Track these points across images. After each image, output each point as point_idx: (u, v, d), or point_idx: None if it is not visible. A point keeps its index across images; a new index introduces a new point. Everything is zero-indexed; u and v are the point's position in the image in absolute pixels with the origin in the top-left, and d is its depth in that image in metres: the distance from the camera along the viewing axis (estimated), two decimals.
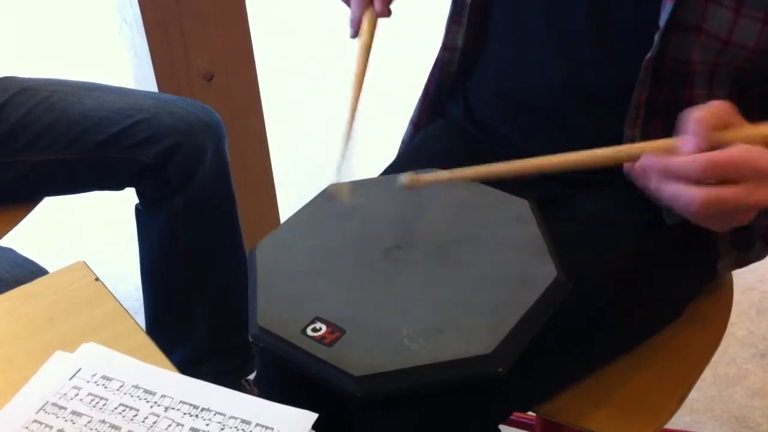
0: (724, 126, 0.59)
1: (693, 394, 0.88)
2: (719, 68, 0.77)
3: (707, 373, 1.00)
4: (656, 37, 0.75)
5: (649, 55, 0.76)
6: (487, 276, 0.73)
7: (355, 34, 0.87)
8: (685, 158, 0.58)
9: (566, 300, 0.72)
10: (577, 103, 0.86)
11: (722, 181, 0.58)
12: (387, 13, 0.86)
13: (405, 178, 0.72)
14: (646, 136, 0.82)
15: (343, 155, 0.78)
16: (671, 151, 0.60)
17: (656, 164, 0.59)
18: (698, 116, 0.59)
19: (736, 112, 0.60)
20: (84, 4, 3.18)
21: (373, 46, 0.85)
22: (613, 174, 0.84)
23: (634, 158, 0.62)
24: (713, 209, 0.58)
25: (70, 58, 2.81)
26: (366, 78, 0.82)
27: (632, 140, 0.82)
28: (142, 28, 1.37)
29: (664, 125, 0.81)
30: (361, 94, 0.81)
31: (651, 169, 0.60)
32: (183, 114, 1.19)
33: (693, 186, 0.58)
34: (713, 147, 0.58)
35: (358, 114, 0.79)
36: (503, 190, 0.84)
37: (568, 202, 0.90)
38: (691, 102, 0.80)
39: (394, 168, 0.98)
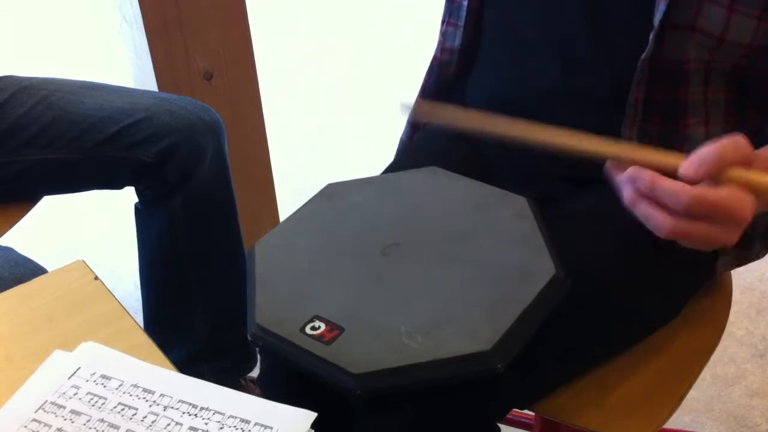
0: (736, 164, 0.58)
1: (692, 393, 0.88)
2: (714, 65, 0.77)
3: (706, 372, 1.00)
4: (651, 36, 0.75)
5: (644, 55, 0.76)
6: (486, 273, 0.73)
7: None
8: (674, 187, 0.57)
9: (565, 297, 0.72)
10: (573, 104, 0.86)
11: (702, 218, 0.58)
12: None
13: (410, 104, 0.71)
14: (644, 135, 0.82)
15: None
16: (670, 168, 0.59)
17: (643, 181, 0.59)
18: (716, 149, 0.58)
19: (750, 149, 0.59)
20: (84, 3, 3.18)
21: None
22: None
23: (629, 162, 0.61)
24: (680, 239, 0.59)
25: (70, 57, 2.81)
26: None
27: (630, 140, 0.82)
28: (142, 27, 1.37)
29: (662, 124, 0.82)
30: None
31: (636, 183, 0.59)
32: (183, 113, 1.19)
33: (667, 214, 0.58)
34: (710, 179, 0.58)
35: None
36: (502, 187, 0.84)
37: (567, 200, 0.90)
38: (687, 100, 0.80)
39: (393, 168, 0.98)
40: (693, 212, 0.57)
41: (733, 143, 0.58)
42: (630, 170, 0.60)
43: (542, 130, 0.66)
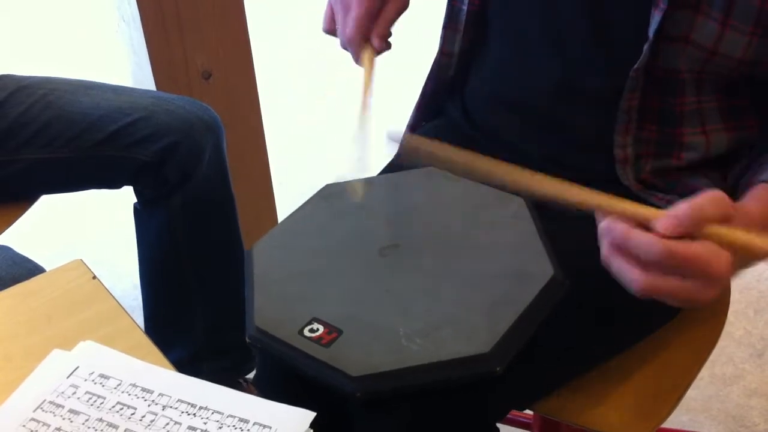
0: (715, 221, 0.57)
1: (690, 393, 0.88)
2: (706, 76, 0.78)
3: (704, 372, 1.00)
4: (645, 47, 0.75)
5: (637, 64, 0.76)
6: (485, 274, 0.73)
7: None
8: (646, 239, 0.56)
9: (563, 298, 0.72)
10: (573, 105, 0.86)
11: (676, 273, 0.56)
12: (387, 47, 0.84)
13: (399, 137, 0.70)
14: (640, 143, 0.82)
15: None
16: (646, 221, 0.58)
17: (616, 233, 0.58)
18: (693, 208, 0.56)
19: (729, 204, 0.58)
20: (82, 3, 3.17)
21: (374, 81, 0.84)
22: (612, 172, 0.85)
23: (609, 212, 0.60)
24: (655, 294, 0.57)
25: (69, 57, 2.81)
26: (371, 113, 0.81)
27: (624, 147, 0.82)
28: (140, 26, 1.37)
29: (657, 132, 0.82)
30: (370, 127, 0.80)
31: (610, 234, 0.58)
32: (181, 112, 1.19)
33: (640, 268, 0.57)
34: (686, 236, 0.56)
35: (370, 147, 0.78)
36: (499, 188, 0.84)
37: None
38: (683, 110, 0.80)
39: (392, 168, 0.98)
40: (666, 265, 0.56)
41: (712, 201, 0.57)
42: (605, 222, 0.59)
43: (525, 175, 0.66)
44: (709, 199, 0.57)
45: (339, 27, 0.85)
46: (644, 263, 0.56)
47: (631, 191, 0.84)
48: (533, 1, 0.86)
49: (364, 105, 0.80)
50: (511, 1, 0.89)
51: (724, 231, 0.57)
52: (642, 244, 0.56)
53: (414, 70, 1.39)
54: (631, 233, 0.57)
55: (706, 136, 0.82)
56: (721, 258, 0.55)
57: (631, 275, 0.57)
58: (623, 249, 0.57)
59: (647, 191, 0.84)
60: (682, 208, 0.56)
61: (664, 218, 0.57)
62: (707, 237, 0.56)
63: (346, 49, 0.85)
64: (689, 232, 0.56)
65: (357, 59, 0.84)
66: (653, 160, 0.83)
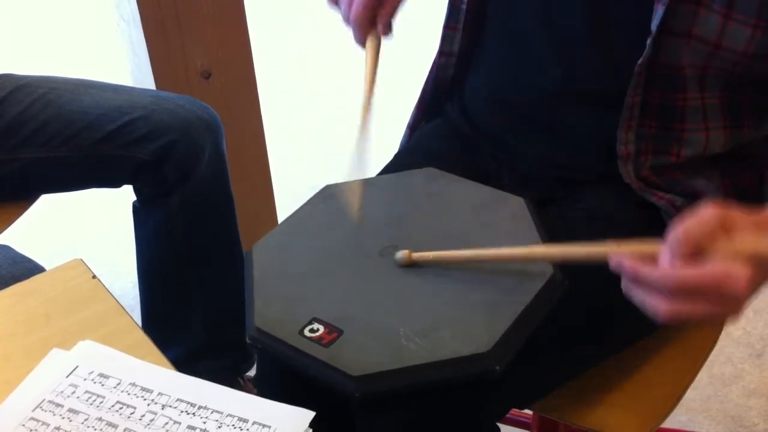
0: (713, 237, 0.56)
1: (689, 393, 0.88)
2: (709, 71, 0.78)
3: (703, 372, 1.00)
4: (648, 41, 0.75)
5: (641, 60, 0.76)
6: (484, 274, 0.73)
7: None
8: (656, 273, 0.56)
9: (563, 297, 0.72)
10: (573, 105, 0.86)
11: (692, 296, 0.55)
12: (390, 34, 0.84)
13: (402, 255, 0.74)
14: (641, 139, 0.82)
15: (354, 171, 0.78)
16: (651, 257, 0.58)
17: (629, 269, 0.58)
18: (682, 231, 0.56)
19: (727, 215, 0.56)
20: (82, 2, 3.17)
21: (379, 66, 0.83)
22: (611, 172, 0.85)
23: (617, 256, 0.59)
24: (681, 321, 0.57)
25: (68, 56, 2.81)
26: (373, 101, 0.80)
27: (626, 143, 0.82)
28: (140, 25, 1.37)
29: (658, 128, 0.82)
30: (370, 117, 0.79)
31: (624, 271, 0.58)
32: (181, 111, 1.19)
33: (661, 298, 0.56)
34: (697, 253, 0.56)
35: (369, 136, 0.78)
36: (499, 188, 0.84)
37: (564, 201, 0.90)
38: (686, 106, 0.80)
39: (392, 167, 0.98)
40: (683, 294, 0.55)
41: (700, 220, 0.56)
42: (612, 263, 0.59)
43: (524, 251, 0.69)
44: (696, 219, 0.56)
45: (343, 1, 0.83)
46: (664, 295, 0.56)
47: (632, 189, 0.84)
48: (532, 1, 0.86)
49: (368, 97, 0.79)
50: (510, 0, 0.89)
51: (732, 244, 0.55)
52: (654, 278, 0.56)
53: (414, 70, 1.39)
54: (639, 272, 0.57)
55: (707, 133, 0.82)
56: (735, 273, 0.54)
57: (653, 306, 0.57)
58: (640, 285, 0.57)
59: (648, 189, 0.84)
60: (673, 237, 0.56)
61: (662, 252, 0.57)
62: (717, 253, 0.55)
63: (347, 24, 0.84)
64: (690, 257, 0.55)
65: (360, 40, 0.83)
66: (653, 157, 0.83)
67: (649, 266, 0.57)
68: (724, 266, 0.54)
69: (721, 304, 0.56)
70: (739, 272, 0.54)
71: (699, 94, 0.80)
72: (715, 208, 0.56)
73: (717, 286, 0.54)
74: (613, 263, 0.59)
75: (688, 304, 0.56)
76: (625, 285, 0.59)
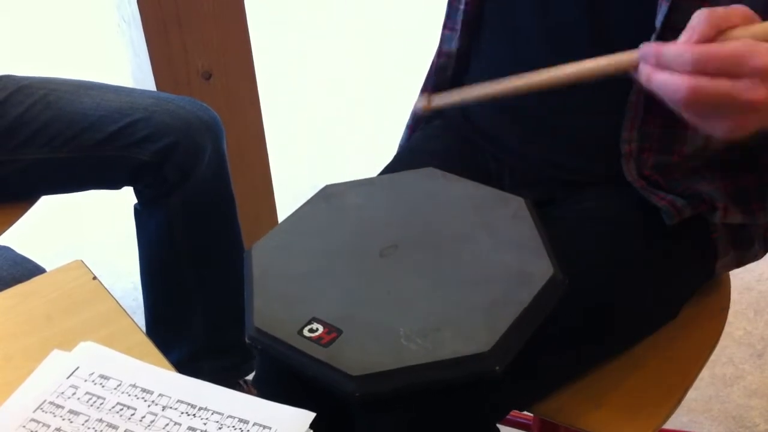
0: (734, 23, 0.56)
1: (690, 394, 0.88)
2: None
3: (705, 373, 1.00)
4: (652, 38, 0.75)
5: None
6: (484, 274, 0.73)
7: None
8: (678, 47, 0.56)
9: (563, 297, 0.72)
10: (573, 105, 0.86)
11: (719, 75, 0.55)
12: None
13: (421, 101, 0.72)
14: (644, 137, 0.82)
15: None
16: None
17: (651, 51, 0.57)
18: (706, 12, 0.56)
19: (750, 13, 0.57)
20: (82, 3, 3.18)
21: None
22: (612, 173, 0.85)
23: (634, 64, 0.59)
24: (702, 100, 0.56)
25: (69, 57, 2.81)
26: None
27: (629, 142, 0.82)
28: (141, 26, 1.37)
29: (662, 126, 0.82)
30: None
31: (646, 57, 0.58)
32: (181, 112, 1.19)
33: (684, 76, 0.55)
34: (719, 34, 0.56)
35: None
36: (500, 189, 0.84)
37: (565, 202, 0.90)
38: None
39: (392, 168, 0.98)
40: (708, 69, 0.55)
41: (728, 9, 0.56)
42: (641, 47, 0.58)
43: (522, 78, 0.67)
44: (720, 8, 0.56)
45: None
46: (686, 72, 0.55)
47: (633, 191, 0.84)
48: (530, 0, 0.86)
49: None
50: (508, 0, 0.89)
51: (752, 28, 0.55)
52: (675, 53, 0.55)
53: (414, 71, 1.39)
54: (662, 47, 0.56)
55: None
56: (758, 48, 0.54)
57: (674, 82, 0.56)
58: (662, 64, 0.57)
59: (649, 189, 0.84)
60: (696, 17, 0.56)
61: (684, 32, 0.56)
62: (739, 37, 0.55)
63: None
64: (712, 35, 0.55)
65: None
66: (655, 155, 0.83)
67: (671, 43, 0.56)
68: (750, 41, 0.54)
69: (748, 82, 0.54)
70: (762, 48, 0.53)
71: None
72: (741, 7, 0.57)
73: (740, 57, 0.54)
74: (641, 51, 0.58)
75: (711, 80, 0.55)
76: (647, 72, 0.58)
